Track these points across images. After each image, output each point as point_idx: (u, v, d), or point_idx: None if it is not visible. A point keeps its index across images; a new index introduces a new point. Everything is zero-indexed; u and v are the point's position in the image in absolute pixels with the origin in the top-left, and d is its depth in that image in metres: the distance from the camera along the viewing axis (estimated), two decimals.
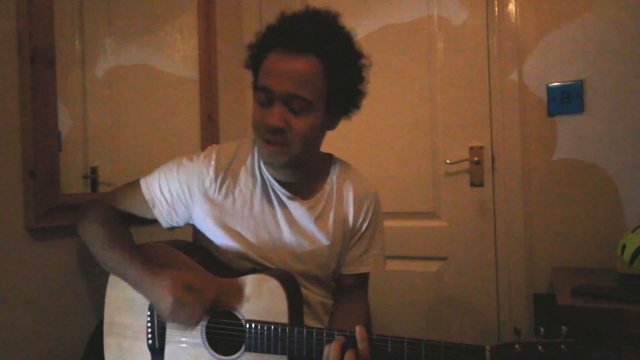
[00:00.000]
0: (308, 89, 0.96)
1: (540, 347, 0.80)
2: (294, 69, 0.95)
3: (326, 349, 0.88)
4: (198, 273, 0.99)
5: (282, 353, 0.92)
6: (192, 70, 1.74)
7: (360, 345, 0.87)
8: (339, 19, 1.02)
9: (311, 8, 1.03)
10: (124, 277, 0.99)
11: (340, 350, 0.87)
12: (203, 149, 1.68)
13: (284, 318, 0.94)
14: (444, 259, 1.88)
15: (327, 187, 1.12)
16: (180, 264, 1.01)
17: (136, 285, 0.97)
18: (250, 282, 0.97)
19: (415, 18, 1.90)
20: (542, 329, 0.83)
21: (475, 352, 0.83)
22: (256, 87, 1.01)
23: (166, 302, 0.89)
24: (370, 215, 1.13)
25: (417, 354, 0.85)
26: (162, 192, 1.07)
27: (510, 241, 1.76)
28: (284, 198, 1.07)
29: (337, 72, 0.98)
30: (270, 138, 0.97)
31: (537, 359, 0.80)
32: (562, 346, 0.80)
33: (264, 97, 0.97)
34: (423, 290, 1.90)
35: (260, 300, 0.96)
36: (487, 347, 0.82)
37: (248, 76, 1.10)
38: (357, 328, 0.88)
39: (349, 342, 0.88)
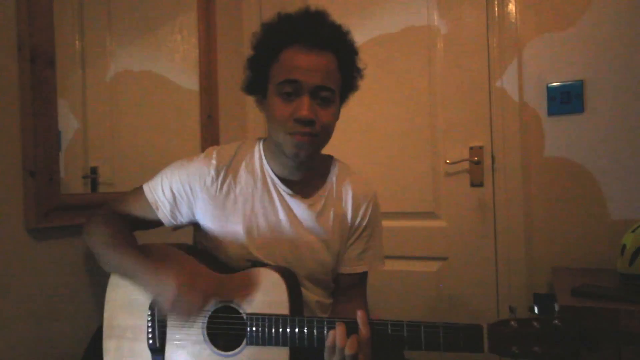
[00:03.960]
0: (332, 81, 1.01)
1: (535, 323, 0.83)
2: (320, 63, 0.98)
3: (330, 334, 0.88)
4: (199, 268, 1.00)
5: (284, 344, 0.92)
6: (192, 70, 1.74)
7: (362, 329, 0.86)
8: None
9: (313, 8, 1.04)
10: (125, 273, 0.99)
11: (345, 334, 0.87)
12: (203, 149, 1.68)
13: (284, 309, 0.94)
14: (444, 259, 1.88)
15: (326, 186, 1.13)
16: (182, 261, 1.02)
17: (138, 278, 0.97)
18: (250, 276, 0.98)
19: (415, 18, 1.90)
20: (535, 307, 0.86)
21: (472, 330, 0.84)
22: (279, 81, 0.99)
23: (168, 291, 0.89)
24: (368, 215, 1.14)
25: (417, 335, 0.86)
26: (164, 193, 1.08)
27: (510, 241, 1.76)
28: (285, 195, 1.08)
29: (348, 68, 1.05)
30: (300, 130, 0.98)
31: (532, 334, 0.82)
32: (556, 321, 0.82)
33: (291, 89, 0.98)
34: (423, 290, 1.90)
35: (261, 293, 0.96)
36: (484, 325, 0.85)
37: None
38: (359, 312, 0.88)
39: (351, 328, 0.88)
